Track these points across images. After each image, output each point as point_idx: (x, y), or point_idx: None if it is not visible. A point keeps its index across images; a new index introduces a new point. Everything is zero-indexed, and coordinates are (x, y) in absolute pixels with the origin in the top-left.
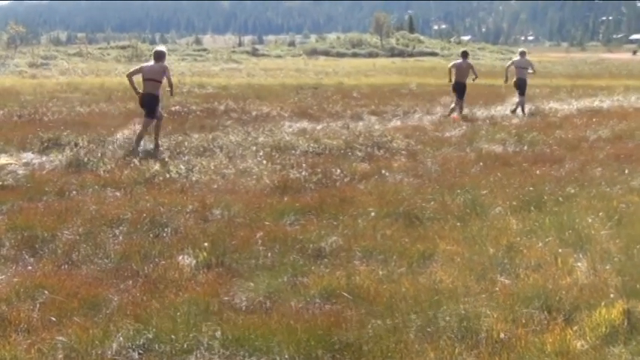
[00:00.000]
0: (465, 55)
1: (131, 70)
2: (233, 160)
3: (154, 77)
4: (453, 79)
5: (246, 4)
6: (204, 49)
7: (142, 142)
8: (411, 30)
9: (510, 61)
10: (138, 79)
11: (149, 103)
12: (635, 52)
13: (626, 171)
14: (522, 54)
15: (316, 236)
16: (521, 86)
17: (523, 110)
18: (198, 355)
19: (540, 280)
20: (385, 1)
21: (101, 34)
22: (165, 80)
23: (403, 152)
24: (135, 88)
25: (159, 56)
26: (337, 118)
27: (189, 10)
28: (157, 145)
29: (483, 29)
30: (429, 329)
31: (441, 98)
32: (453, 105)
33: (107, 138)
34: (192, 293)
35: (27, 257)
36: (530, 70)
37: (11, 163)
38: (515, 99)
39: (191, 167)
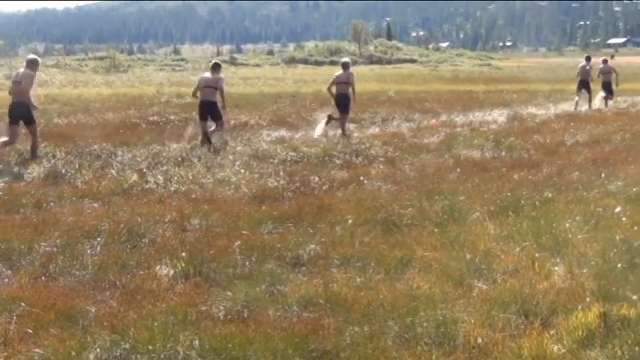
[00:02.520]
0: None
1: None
2: (211, 169)
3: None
4: None
5: (224, 13)
6: (183, 59)
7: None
8: (389, 37)
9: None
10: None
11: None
12: (612, 57)
13: (603, 175)
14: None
15: (294, 244)
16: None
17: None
18: None
19: (517, 285)
20: (362, 9)
21: (79, 46)
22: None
23: (381, 159)
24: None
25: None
26: (316, 126)
27: (167, 20)
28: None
29: (461, 35)
30: (406, 335)
31: (419, 105)
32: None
33: (85, 149)
34: (170, 303)
35: (4, 270)
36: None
37: None
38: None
39: (169, 177)
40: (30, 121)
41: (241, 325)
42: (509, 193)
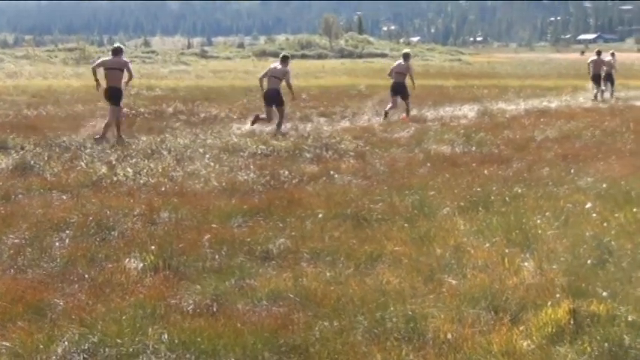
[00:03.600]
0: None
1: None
2: (181, 162)
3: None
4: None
5: (195, 5)
6: (153, 51)
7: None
8: (360, 31)
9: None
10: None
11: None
12: (582, 53)
13: (573, 171)
14: (599, 53)
15: (264, 238)
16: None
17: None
18: (144, 358)
19: (487, 281)
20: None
21: (49, 37)
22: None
23: (352, 153)
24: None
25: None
26: (286, 119)
27: (138, 12)
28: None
29: (432, 30)
30: (375, 331)
31: (389, 99)
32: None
33: (54, 141)
34: (139, 297)
35: None
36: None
37: None
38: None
39: (139, 170)
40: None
41: (210, 319)
42: (479, 189)
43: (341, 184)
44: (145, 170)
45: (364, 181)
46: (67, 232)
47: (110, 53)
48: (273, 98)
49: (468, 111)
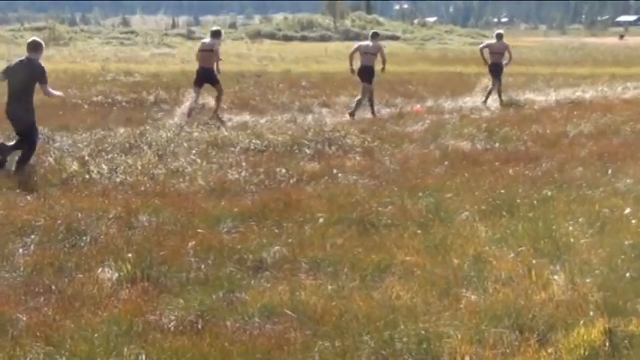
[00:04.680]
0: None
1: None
2: (163, 158)
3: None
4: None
5: None
6: (133, 32)
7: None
8: (369, 10)
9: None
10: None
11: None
12: (621, 37)
13: (610, 171)
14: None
15: (257, 246)
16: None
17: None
18: None
19: (511, 296)
20: None
21: (13, 14)
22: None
23: (358, 149)
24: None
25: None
26: (283, 110)
27: None
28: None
29: (451, 9)
30: (383, 352)
31: (402, 88)
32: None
33: None
34: (113, 312)
35: None
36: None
37: None
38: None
39: (114, 167)
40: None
41: (195, 338)
42: (503, 191)
43: (345, 185)
44: (121, 167)
45: (372, 181)
46: (32, 237)
47: (209, 35)
48: (367, 74)
49: (491, 102)
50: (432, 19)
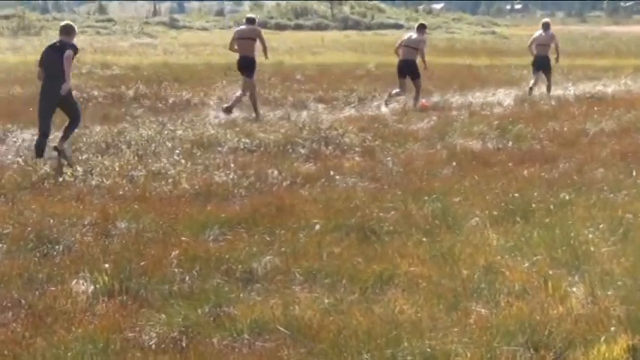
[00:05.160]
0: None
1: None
2: (144, 159)
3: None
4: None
5: None
6: (110, 20)
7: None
8: None
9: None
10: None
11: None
12: None
13: (634, 173)
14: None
15: (246, 255)
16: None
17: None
18: None
19: (525, 310)
20: None
21: None
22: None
23: (357, 149)
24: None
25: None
26: (276, 106)
27: None
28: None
29: None
30: None
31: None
32: (396, 91)
33: None
34: (89, 328)
35: None
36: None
37: None
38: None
39: (90, 168)
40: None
41: (178, 357)
42: (516, 194)
43: (343, 188)
44: (98, 169)
45: (372, 183)
46: (0, 245)
47: (244, 22)
48: (407, 69)
49: (504, 97)
50: (438, 6)
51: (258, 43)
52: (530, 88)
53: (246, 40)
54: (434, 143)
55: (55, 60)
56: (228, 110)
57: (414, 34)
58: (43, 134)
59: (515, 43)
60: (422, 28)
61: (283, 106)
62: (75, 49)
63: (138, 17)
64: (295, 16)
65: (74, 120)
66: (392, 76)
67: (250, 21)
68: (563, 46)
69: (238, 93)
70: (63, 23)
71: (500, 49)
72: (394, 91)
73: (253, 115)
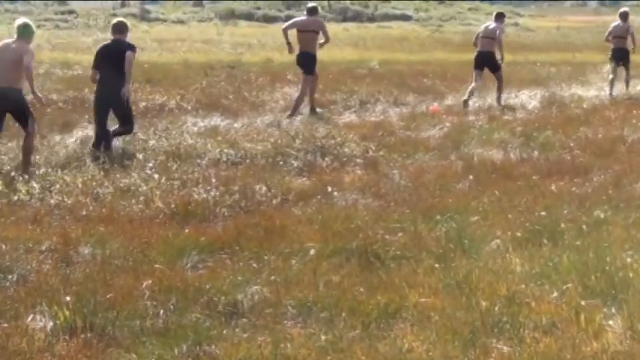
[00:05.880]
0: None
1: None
2: (111, 173)
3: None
4: None
5: None
6: (71, 12)
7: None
8: None
9: None
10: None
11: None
12: None
13: None
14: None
15: (230, 285)
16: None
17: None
18: None
19: (554, 347)
20: None
21: None
22: None
23: (359, 161)
24: None
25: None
26: (264, 111)
27: None
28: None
29: None
30: None
31: (414, 82)
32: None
33: None
34: None
35: None
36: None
37: None
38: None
39: (49, 185)
40: None
41: None
42: (543, 213)
43: (343, 206)
44: (57, 185)
45: (376, 201)
46: None
47: (305, 12)
48: (486, 61)
49: (528, 99)
50: None
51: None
52: (612, 84)
53: (308, 34)
54: (447, 153)
55: (112, 61)
56: (292, 116)
57: (491, 24)
58: (101, 143)
59: (541, 37)
60: (500, 16)
61: (273, 112)
62: (134, 49)
63: (103, 9)
64: (286, 6)
65: (126, 125)
66: (398, 75)
67: (312, 11)
68: (595, 40)
69: (473, 85)
70: (114, 21)
71: (523, 44)
72: (471, 86)
73: (305, 110)
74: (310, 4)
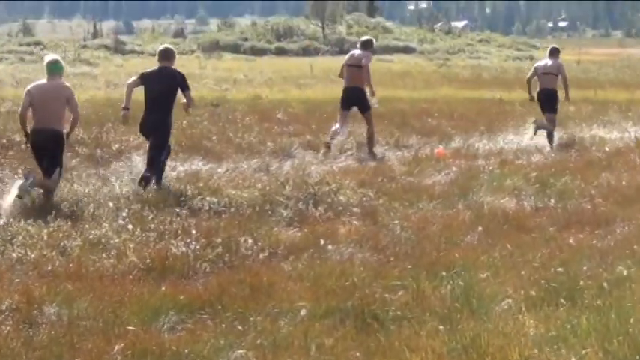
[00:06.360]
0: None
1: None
2: (79, 224)
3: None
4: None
5: None
6: (38, 43)
7: None
8: (372, 12)
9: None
10: None
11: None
12: None
13: None
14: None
15: (211, 349)
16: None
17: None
18: None
19: None
20: None
21: None
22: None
23: (356, 210)
24: None
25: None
26: (251, 154)
27: None
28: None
29: (488, 10)
30: None
31: (418, 122)
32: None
33: None
34: None
35: None
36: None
37: None
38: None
39: (10, 237)
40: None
41: None
42: (560, 268)
43: (337, 261)
44: (20, 237)
45: (375, 255)
46: None
47: (358, 45)
48: (548, 98)
49: (544, 141)
50: (460, 24)
51: None
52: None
53: (357, 68)
54: (454, 202)
55: (160, 90)
56: (372, 154)
57: (549, 61)
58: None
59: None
60: (556, 52)
61: (260, 155)
62: (183, 77)
63: (73, 40)
64: (276, 37)
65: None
66: (400, 114)
67: (366, 45)
68: (619, 75)
69: (339, 129)
70: (161, 48)
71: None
72: (538, 122)
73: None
74: (364, 38)
